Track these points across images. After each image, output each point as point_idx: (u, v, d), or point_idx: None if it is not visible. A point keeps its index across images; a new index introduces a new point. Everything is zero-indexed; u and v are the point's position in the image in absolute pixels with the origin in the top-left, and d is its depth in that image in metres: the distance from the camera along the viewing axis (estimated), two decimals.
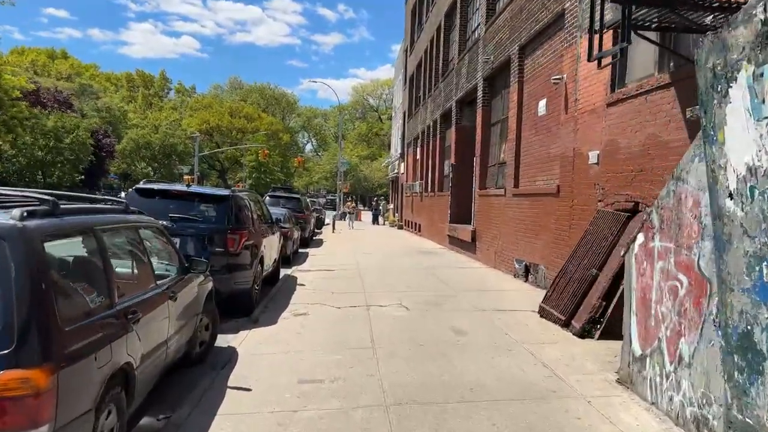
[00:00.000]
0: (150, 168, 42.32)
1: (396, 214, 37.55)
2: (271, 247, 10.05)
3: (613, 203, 7.82)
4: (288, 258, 14.64)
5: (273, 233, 10.41)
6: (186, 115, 75.61)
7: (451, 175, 18.36)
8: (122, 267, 4.01)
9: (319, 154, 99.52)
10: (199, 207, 7.97)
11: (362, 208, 64.32)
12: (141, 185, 8.23)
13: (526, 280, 10.87)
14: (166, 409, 4.74)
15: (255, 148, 62.85)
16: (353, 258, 15.73)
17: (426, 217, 24.04)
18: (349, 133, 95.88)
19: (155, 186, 8.18)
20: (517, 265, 11.42)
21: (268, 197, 20.59)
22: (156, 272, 4.51)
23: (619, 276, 6.70)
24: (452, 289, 10.19)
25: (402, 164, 34.28)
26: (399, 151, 36.45)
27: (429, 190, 23.24)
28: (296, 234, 16.55)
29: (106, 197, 4.28)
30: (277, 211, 15.50)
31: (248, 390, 5.02)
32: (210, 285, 6.19)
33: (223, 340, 6.75)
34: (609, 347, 6.26)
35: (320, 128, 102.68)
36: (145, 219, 4.70)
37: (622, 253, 6.54)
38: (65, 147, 26.74)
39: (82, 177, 32.41)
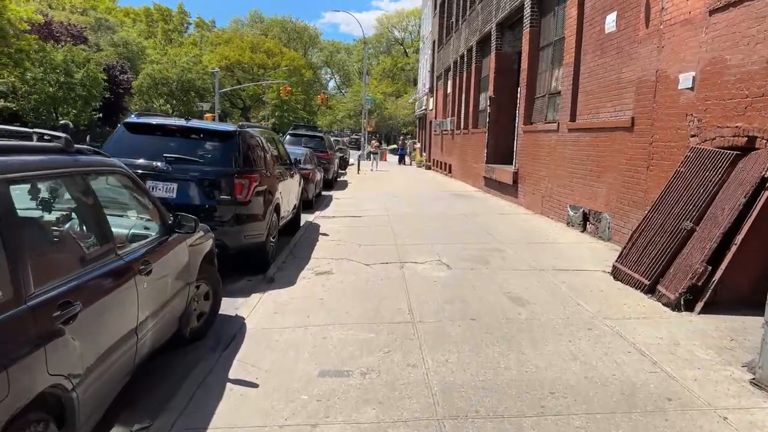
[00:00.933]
0: (168, 105, 40.87)
1: (423, 154, 35.81)
2: (289, 192, 8.73)
3: (714, 139, 6.19)
4: (310, 203, 13.40)
5: (291, 176, 9.07)
6: (206, 51, 73.45)
7: (488, 110, 16.57)
8: (48, 236, 2.71)
9: (343, 91, 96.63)
10: (201, 146, 6.61)
11: (387, 147, 62.45)
12: (131, 119, 6.88)
13: (584, 230, 9.40)
14: (144, 415, 3.58)
15: (277, 86, 60.82)
16: (381, 202, 14.39)
17: (457, 157, 22.38)
18: (373, 68, 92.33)
19: (148, 120, 6.82)
20: (571, 212, 9.92)
21: (288, 136, 19.16)
22: (116, 238, 3.21)
23: (731, 232, 5.20)
24: (497, 240, 8.80)
25: (430, 100, 32.20)
26: (427, 85, 34.24)
27: (461, 127, 21.45)
28: (318, 176, 15.21)
29: (42, 131, 2.89)
30: (297, 151, 14.13)
31: (254, 386, 3.82)
32: (209, 244, 4.92)
33: (231, 306, 5.59)
34: (718, 326, 4.86)
35: (343, 64, 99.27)
36: (102, 162, 3.35)
37: (741, 201, 5.02)
38: (76, 82, 25.40)
39: (100, 115, 31.26)
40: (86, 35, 39.17)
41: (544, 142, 11.64)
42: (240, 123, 7.01)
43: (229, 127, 6.86)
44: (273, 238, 7.46)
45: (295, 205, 9.63)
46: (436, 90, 30.01)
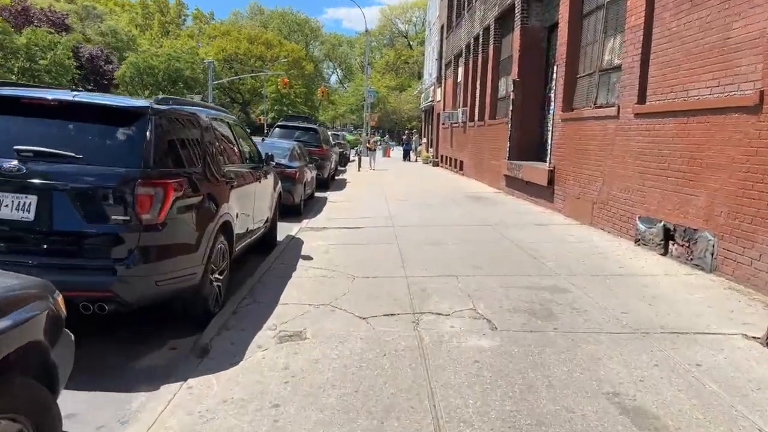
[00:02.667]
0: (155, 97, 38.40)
1: (430, 150, 33.19)
2: (253, 200, 6.17)
3: None
4: (297, 208, 10.84)
5: (259, 178, 6.50)
6: (203, 44, 71.02)
7: (511, 96, 13.94)
8: None
9: (345, 85, 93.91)
10: (90, 133, 4.04)
11: (392, 143, 59.74)
12: None
13: (666, 253, 6.79)
14: None
15: (275, 78, 58.20)
16: (384, 206, 11.81)
17: (471, 152, 19.75)
18: (376, 62, 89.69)
19: (8, 91, 4.22)
20: (642, 227, 7.31)
21: (276, 128, 16.57)
22: None
23: None
24: (550, 269, 6.20)
25: (438, 90, 29.56)
26: (434, 75, 31.58)
27: (476, 118, 18.82)
28: (309, 175, 12.62)
29: None
30: (282, 145, 11.57)
31: None
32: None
33: (116, 414, 3.05)
34: None
35: (345, 57, 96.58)
36: None
37: None
38: (41, 69, 22.79)
39: None
40: (69, 23, 36.60)
41: (594, 133, 9.03)
42: (160, 97, 4.41)
43: (137, 102, 4.27)
44: (219, 274, 4.89)
45: (267, 218, 7.08)
46: (445, 79, 27.36)
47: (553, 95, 11.24)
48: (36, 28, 24.75)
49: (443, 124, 26.53)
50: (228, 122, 6.00)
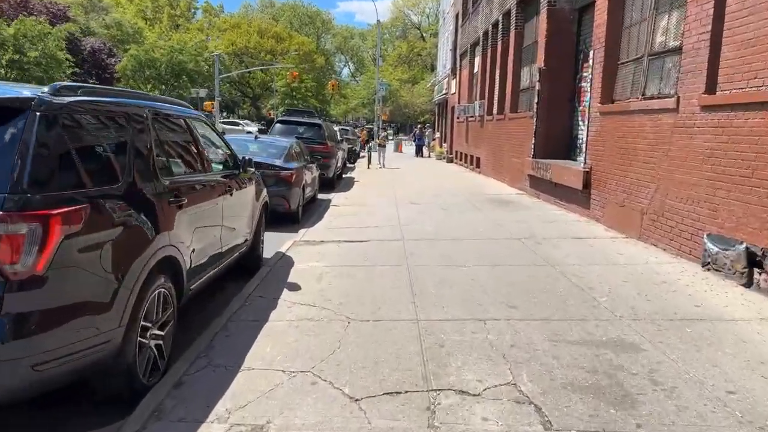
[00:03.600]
0: (158, 91, 36.89)
1: (444, 145, 31.69)
2: (222, 219, 4.81)
3: None
4: (294, 215, 9.51)
5: (231, 190, 5.13)
6: (213, 37, 69.96)
7: (536, 87, 12.44)
8: None
9: (357, 79, 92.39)
10: None
11: (404, 137, 58.19)
12: None
13: (749, 284, 5.32)
14: None
15: (285, 72, 56.95)
16: (393, 211, 10.44)
17: (488, 148, 18.26)
18: (389, 54, 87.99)
19: None
20: (713, 247, 5.84)
21: (277, 124, 15.23)
22: None
23: None
24: (608, 310, 4.77)
25: (452, 82, 28.02)
26: (448, 66, 30.03)
27: (494, 111, 17.32)
28: (310, 176, 11.25)
29: None
30: (279, 143, 10.24)
31: None
32: None
33: None
34: None
35: (357, 49, 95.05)
36: None
37: None
38: (30, 62, 21.53)
39: None
40: (72, 15, 35.56)
41: (643, 129, 7.54)
42: (61, 84, 3.04)
43: (15, 91, 2.90)
44: (158, 329, 3.54)
45: (246, 238, 5.73)
46: (460, 70, 25.82)
47: (587, 85, 9.75)
48: (25, 18, 23.59)
49: (458, 118, 25.03)
50: (186, 119, 4.64)
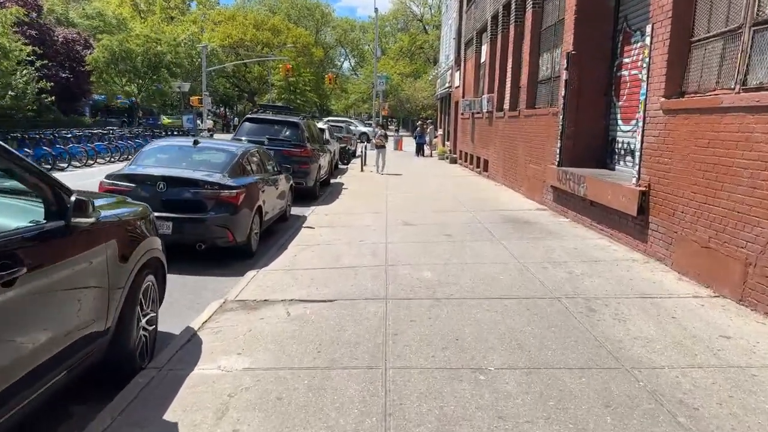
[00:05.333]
0: (134, 86, 34.01)
1: (447, 143, 29.13)
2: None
3: None
4: (245, 249, 7.04)
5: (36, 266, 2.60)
6: (208, 30, 67.44)
7: (564, 76, 9.91)
8: None
9: (358, 73, 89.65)
10: None
11: (405, 133, 55.55)
12: None
13: None
14: None
15: (283, 66, 54.38)
16: (381, 239, 7.96)
17: (499, 150, 15.72)
18: (390, 48, 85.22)
19: None
20: None
21: (245, 122, 12.72)
22: None
23: None
24: None
25: (456, 74, 25.43)
26: (451, 57, 27.42)
27: (505, 107, 14.78)
28: (275, 191, 8.74)
29: None
30: (223, 150, 7.76)
31: None
32: None
33: None
34: None
35: (358, 43, 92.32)
36: None
37: None
38: None
39: (51, 98, 24.91)
40: (48, 4, 33.03)
41: (744, 134, 5.01)
42: None
43: None
44: None
45: (107, 328, 3.21)
46: (464, 61, 23.24)
47: (642, 73, 7.21)
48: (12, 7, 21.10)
49: (462, 114, 22.47)
50: None
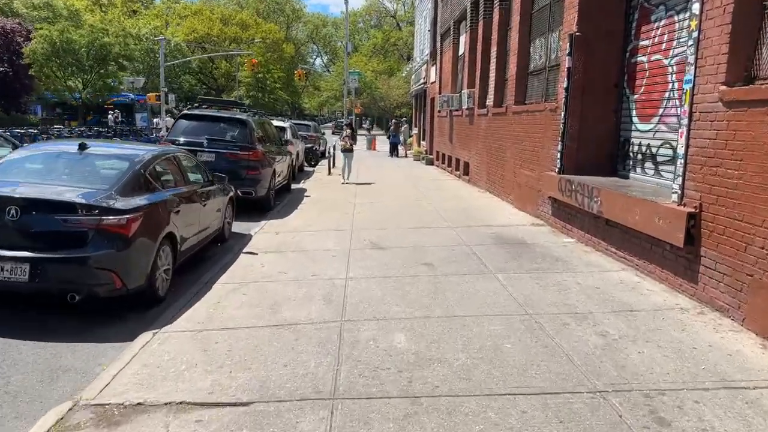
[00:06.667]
0: (79, 80, 30.99)
1: (423, 143, 27.33)
2: None
3: None
4: (148, 296, 5.03)
5: None
6: (172, 24, 64.50)
7: (567, 64, 8.11)
8: None
9: (330, 70, 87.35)
10: None
11: (379, 131, 53.64)
12: None
13: None
14: None
15: (249, 61, 51.86)
16: (341, 272, 6.02)
17: (481, 152, 13.92)
18: (363, 44, 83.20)
19: None
20: None
21: (180, 119, 10.61)
22: None
23: None
24: None
25: (432, 69, 23.61)
26: (427, 51, 25.62)
27: (489, 103, 12.99)
28: (200, 210, 6.68)
29: None
30: (121, 157, 5.74)
31: None
32: None
33: None
34: None
35: (330, 39, 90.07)
36: None
37: None
38: None
39: None
40: None
41: None
42: None
43: None
44: None
45: None
46: (441, 54, 21.43)
47: (691, 51, 5.43)
48: None
49: (439, 111, 20.65)
50: None
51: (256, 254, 7.19)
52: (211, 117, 10.35)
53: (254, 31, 65.23)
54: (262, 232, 8.67)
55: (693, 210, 4.99)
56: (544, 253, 7.06)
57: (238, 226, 8.85)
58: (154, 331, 4.55)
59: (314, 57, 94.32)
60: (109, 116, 30.32)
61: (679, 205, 5.21)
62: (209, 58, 64.03)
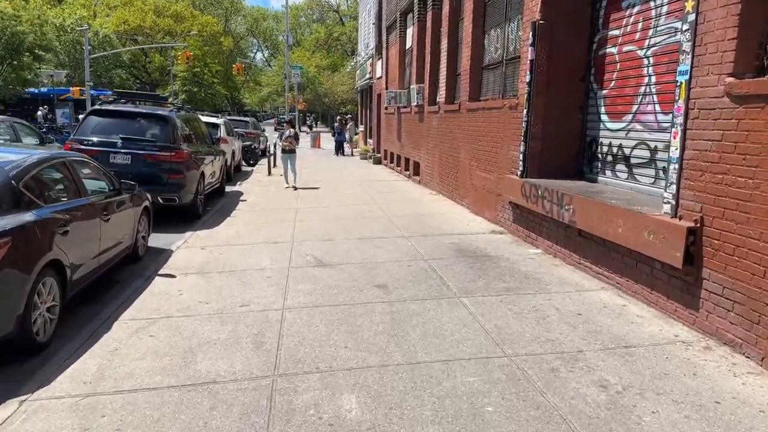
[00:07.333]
0: None
1: (369, 141, 26.35)
2: None
3: None
4: (20, 345, 3.74)
5: None
6: (101, 15, 60.51)
7: (529, 56, 7.32)
8: None
9: (271, 64, 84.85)
10: None
11: (324, 128, 52.26)
12: None
13: None
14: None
15: (182, 54, 49.20)
16: (277, 298, 4.95)
17: (433, 152, 13.09)
18: (305, 39, 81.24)
19: None
20: None
21: (90, 115, 9.13)
22: None
23: None
24: None
25: (378, 64, 22.65)
26: (372, 45, 24.63)
27: (441, 100, 12.17)
28: (105, 226, 5.42)
29: None
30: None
31: None
32: None
33: None
34: None
35: (271, 33, 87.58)
36: None
37: None
38: None
39: None
40: None
41: None
42: None
43: None
44: None
45: None
46: (387, 48, 20.49)
47: (687, 37, 4.71)
48: None
49: (386, 108, 19.72)
50: None
51: (174, 277, 6.00)
52: (126, 113, 8.93)
53: (190, 24, 62.26)
54: (185, 247, 7.44)
55: (693, 225, 4.25)
56: (510, 268, 6.24)
57: (157, 240, 7.59)
58: (21, 398, 3.37)
59: (254, 51, 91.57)
60: (39, 112, 27.53)
61: (673, 218, 4.47)
62: (142, 51, 60.67)
